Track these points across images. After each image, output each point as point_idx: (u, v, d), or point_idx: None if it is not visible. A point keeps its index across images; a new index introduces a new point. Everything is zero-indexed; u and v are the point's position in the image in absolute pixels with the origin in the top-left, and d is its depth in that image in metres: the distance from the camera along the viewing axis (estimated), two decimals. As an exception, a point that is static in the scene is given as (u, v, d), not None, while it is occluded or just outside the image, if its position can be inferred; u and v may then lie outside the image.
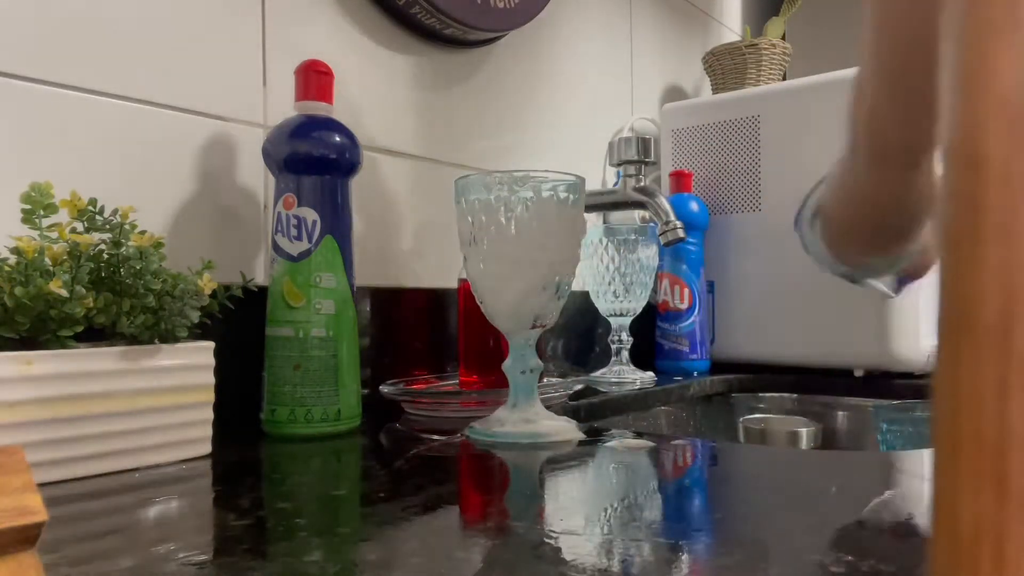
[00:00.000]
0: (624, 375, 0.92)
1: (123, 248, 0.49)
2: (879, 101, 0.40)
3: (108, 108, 0.59)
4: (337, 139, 0.60)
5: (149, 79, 0.62)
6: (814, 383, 0.98)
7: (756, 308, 1.02)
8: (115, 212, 0.49)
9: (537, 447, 0.54)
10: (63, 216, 0.48)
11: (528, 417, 0.57)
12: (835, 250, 0.50)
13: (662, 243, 0.85)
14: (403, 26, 0.83)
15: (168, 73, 0.63)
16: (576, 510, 0.39)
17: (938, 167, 0.48)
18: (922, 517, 0.35)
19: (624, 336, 0.94)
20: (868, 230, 0.47)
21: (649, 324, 1.04)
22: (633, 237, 0.91)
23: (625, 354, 0.94)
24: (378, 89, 0.81)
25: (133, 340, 0.48)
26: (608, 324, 0.96)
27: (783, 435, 0.87)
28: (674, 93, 1.31)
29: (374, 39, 0.80)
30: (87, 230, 0.48)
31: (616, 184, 0.98)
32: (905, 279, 0.53)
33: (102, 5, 0.59)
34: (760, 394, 1.00)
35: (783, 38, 1.26)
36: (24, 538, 0.22)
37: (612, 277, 0.92)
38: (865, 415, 0.92)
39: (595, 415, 0.78)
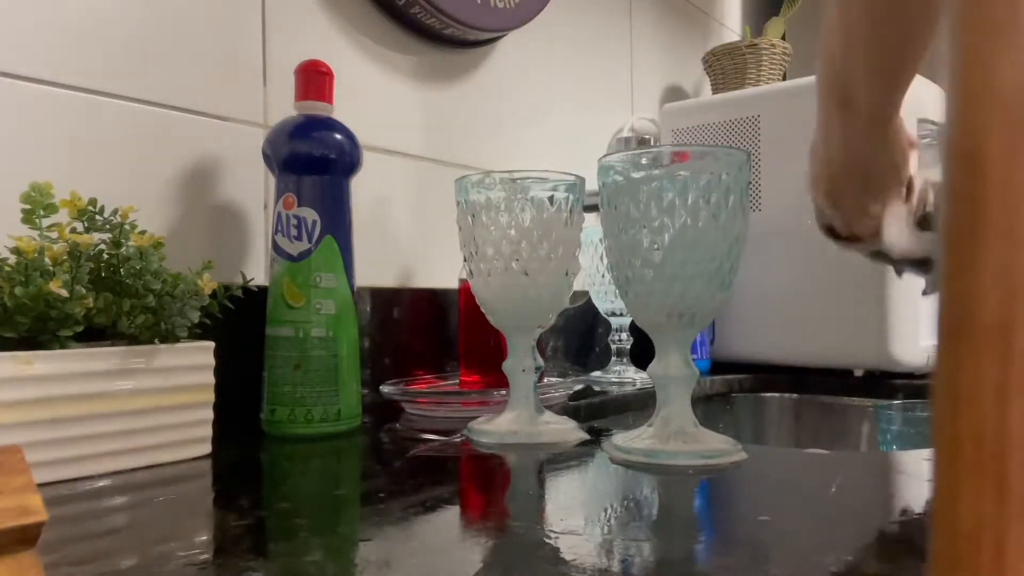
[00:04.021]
0: (624, 375, 0.92)
1: (123, 248, 0.49)
2: (847, 60, 0.41)
3: (108, 108, 0.59)
4: (337, 139, 0.60)
5: (149, 79, 0.62)
6: (814, 383, 0.98)
7: (756, 308, 1.02)
8: (115, 212, 0.49)
9: (537, 447, 0.54)
10: (63, 216, 0.48)
11: (528, 417, 0.57)
12: (829, 206, 0.50)
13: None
14: (403, 26, 0.83)
15: (168, 73, 0.63)
16: (576, 510, 0.39)
17: (906, 127, 0.50)
18: (922, 517, 0.35)
19: (624, 336, 0.94)
20: (847, 183, 0.47)
21: (649, 324, 1.04)
22: (633, 237, 0.91)
23: (625, 354, 0.94)
24: (378, 89, 0.81)
25: (133, 340, 0.48)
26: (608, 324, 0.96)
27: None
28: (674, 93, 1.31)
29: (374, 39, 0.80)
30: (87, 230, 0.48)
31: (616, 184, 0.98)
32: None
33: (102, 5, 0.59)
34: (760, 394, 1.00)
35: (783, 38, 1.26)
36: (24, 538, 0.22)
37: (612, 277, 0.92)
38: (865, 415, 0.92)
39: (595, 415, 0.78)
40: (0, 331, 0.43)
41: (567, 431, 0.56)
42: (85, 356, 0.45)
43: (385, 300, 0.78)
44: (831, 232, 0.54)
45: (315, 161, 0.60)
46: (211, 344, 0.51)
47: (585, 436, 0.56)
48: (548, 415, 0.58)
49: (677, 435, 0.48)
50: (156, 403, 0.48)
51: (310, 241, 0.59)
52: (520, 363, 0.57)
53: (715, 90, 1.26)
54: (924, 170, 0.51)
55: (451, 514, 0.39)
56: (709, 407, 0.97)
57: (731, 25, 1.50)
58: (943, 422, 0.14)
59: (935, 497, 0.15)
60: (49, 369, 0.43)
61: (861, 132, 0.44)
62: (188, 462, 0.49)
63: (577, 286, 0.59)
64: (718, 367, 1.04)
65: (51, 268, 0.45)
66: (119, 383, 0.46)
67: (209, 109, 0.65)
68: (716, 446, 0.48)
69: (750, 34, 1.25)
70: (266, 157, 0.62)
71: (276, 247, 0.60)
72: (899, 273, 0.56)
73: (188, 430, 0.50)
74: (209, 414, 0.51)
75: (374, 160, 0.79)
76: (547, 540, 0.33)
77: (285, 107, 0.67)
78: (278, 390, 0.58)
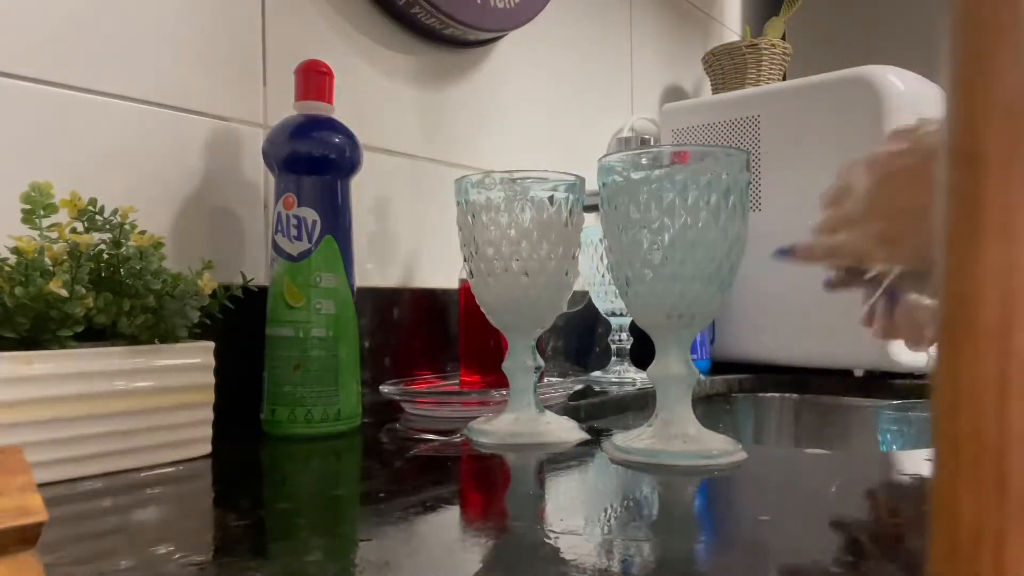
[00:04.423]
0: (624, 375, 0.92)
1: (123, 248, 0.49)
2: None
3: (108, 108, 0.59)
4: (337, 139, 0.60)
5: (149, 79, 0.62)
6: (814, 383, 0.97)
7: (756, 308, 1.02)
8: (115, 212, 0.49)
9: (537, 447, 0.54)
10: (63, 216, 0.48)
11: (528, 417, 0.57)
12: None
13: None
14: (403, 26, 0.83)
15: (168, 73, 0.63)
16: (576, 510, 0.39)
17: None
18: (922, 517, 0.35)
19: (624, 336, 0.94)
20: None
21: (649, 324, 1.04)
22: (633, 237, 0.91)
23: (625, 354, 0.94)
24: (378, 89, 0.81)
25: (133, 340, 0.48)
26: (608, 324, 0.96)
27: None
28: (674, 93, 1.31)
29: (374, 39, 0.80)
30: (87, 230, 0.48)
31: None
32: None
33: (102, 5, 0.59)
34: (760, 394, 1.00)
35: (783, 38, 1.26)
36: (24, 538, 0.22)
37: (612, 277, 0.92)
38: (865, 415, 0.92)
39: (595, 415, 0.78)
40: (0, 331, 0.43)
41: (567, 431, 0.56)
42: (85, 356, 0.45)
43: (385, 300, 0.78)
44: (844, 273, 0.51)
45: (315, 161, 0.60)
46: (211, 344, 0.51)
47: (585, 436, 0.56)
48: (548, 415, 0.58)
49: (677, 435, 0.48)
50: (156, 403, 0.47)
51: (310, 241, 0.59)
52: (520, 363, 0.57)
53: (715, 90, 1.26)
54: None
55: (451, 514, 0.39)
56: (709, 407, 0.97)
57: (731, 25, 1.50)
58: (943, 422, 0.14)
59: (935, 497, 0.15)
60: (49, 369, 0.43)
61: None
62: (188, 462, 0.49)
63: (577, 286, 0.59)
64: (718, 367, 1.04)
65: (51, 268, 0.45)
66: (119, 383, 0.46)
67: (209, 109, 0.65)
68: (716, 446, 0.48)
69: (750, 34, 1.25)
70: (266, 157, 0.62)
71: (276, 247, 0.60)
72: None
73: (188, 430, 0.50)
74: (209, 414, 0.51)
75: (374, 160, 0.79)
76: (547, 540, 0.33)
77: (285, 107, 0.67)
78: (278, 390, 0.58)
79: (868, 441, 0.91)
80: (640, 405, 0.85)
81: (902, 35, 1.42)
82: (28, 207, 0.47)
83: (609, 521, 0.37)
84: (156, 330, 0.49)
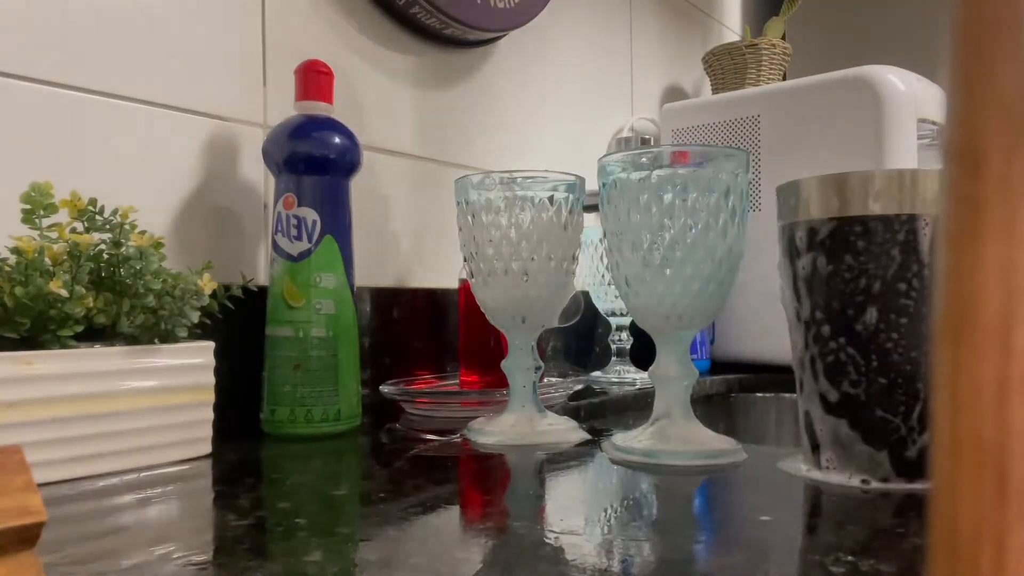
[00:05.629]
0: (624, 375, 0.92)
1: (123, 248, 0.49)
2: None
3: (108, 108, 0.59)
4: (337, 139, 0.60)
5: (149, 79, 0.62)
6: (814, 383, 0.97)
7: (756, 308, 1.02)
8: (115, 212, 0.49)
9: (537, 447, 0.54)
10: (63, 216, 0.48)
11: (528, 417, 0.57)
12: None
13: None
14: (403, 26, 0.83)
15: (168, 73, 0.63)
16: (576, 510, 0.39)
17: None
18: (922, 517, 0.35)
19: (624, 336, 0.94)
20: None
21: (649, 324, 1.04)
22: (633, 237, 0.91)
23: (625, 354, 0.94)
24: (378, 89, 0.81)
25: (133, 340, 0.48)
26: (608, 324, 0.96)
27: None
28: (674, 93, 1.31)
29: (374, 39, 0.80)
30: (87, 230, 0.48)
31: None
32: None
33: (102, 5, 0.59)
34: (760, 394, 1.00)
35: (783, 38, 1.26)
36: (24, 538, 0.22)
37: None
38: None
39: (595, 415, 0.78)
40: (0, 331, 0.43)
41: (567, 431, 0.56)
42: (85, 356, 0.45)
43: (385, 300, 0.78)
44: None
45: (315, 161, 0.60)
46: (211, 344, 0.51)
47: (585, 436, 0.56)
48: (548, 415, 0.58)
49: (677, 435, 0.48)
50: (156, 403, 0.47)
51: (310, 241, 0.59)
52: (520, 363, 0.57)
53: (715, 90, 1.26)
54: None
55: (451, 514, 0.39)
56: (709, 407, 0.97)
57: (731, 25, 1.50)
58: (943, 422, 0.14)
59: (935, 497, 0.15)
60: (49, 369, 0.43)
61: None
62: (188, 462, 0.49)
63: (577, 286, 0.59)
64: (718, 367, 1.04)
65: (51, 268, 0.45)
66: (119, 383, 0.46)
67: (209, 109, 0.65)
68: (716, 446, 0.48)
69: (750, 34, 1.25)
70: (266, 157, 0.62)
71: (276, 247, 0.60)
72: None
73: (188, 430, 0.50)
74: (209, 414, 0.51)
75: (374, 160, 0.79)
76: (547, 540, 0.33)
77: (285, 107, 0.67)
78: (278, 390, 0.58)
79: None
80: (640, 405, 0.85)
81: (902, 35, 1.42)
82: (28, 207, 0.47)
83: (609, 521, 0.37)
84: (156, 330, 0.49)
